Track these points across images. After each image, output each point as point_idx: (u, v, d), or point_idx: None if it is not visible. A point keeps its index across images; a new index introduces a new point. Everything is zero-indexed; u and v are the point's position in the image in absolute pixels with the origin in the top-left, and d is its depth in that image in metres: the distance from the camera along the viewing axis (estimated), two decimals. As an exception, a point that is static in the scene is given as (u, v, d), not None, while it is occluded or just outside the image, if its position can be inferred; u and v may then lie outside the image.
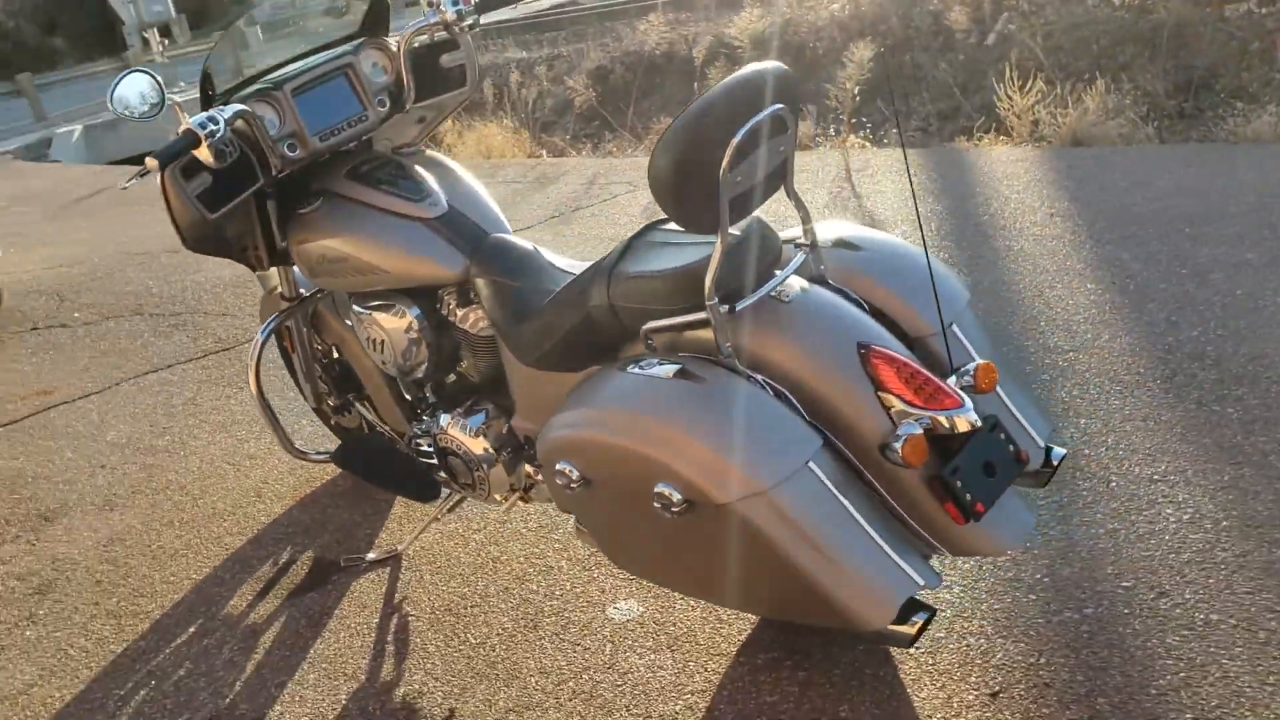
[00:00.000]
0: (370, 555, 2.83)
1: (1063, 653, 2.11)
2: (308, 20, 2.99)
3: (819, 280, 2.12)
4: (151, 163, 2.26)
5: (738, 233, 2.00)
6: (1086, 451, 2.74)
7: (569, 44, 14.05)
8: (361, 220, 2.55)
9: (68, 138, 13.76)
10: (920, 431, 1.87)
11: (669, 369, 1.96)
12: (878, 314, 2.10)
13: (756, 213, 2.06)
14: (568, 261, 2.47)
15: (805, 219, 2.10)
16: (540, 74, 11.18)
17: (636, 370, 1.99)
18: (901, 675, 2.12)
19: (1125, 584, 2.26)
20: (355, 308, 2.69)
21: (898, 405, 1.90)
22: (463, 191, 2.65)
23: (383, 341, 2.65)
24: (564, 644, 2.37)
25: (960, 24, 9.60)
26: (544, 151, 8.74)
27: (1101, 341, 3.27)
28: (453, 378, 2.71)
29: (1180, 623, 2.13)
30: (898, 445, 1.86)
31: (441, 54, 2.82)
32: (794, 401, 1.95)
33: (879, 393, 1.91)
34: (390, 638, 2.50)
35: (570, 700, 2.20)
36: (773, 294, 2.01)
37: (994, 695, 2.04)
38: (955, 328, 2.12)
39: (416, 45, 2.75)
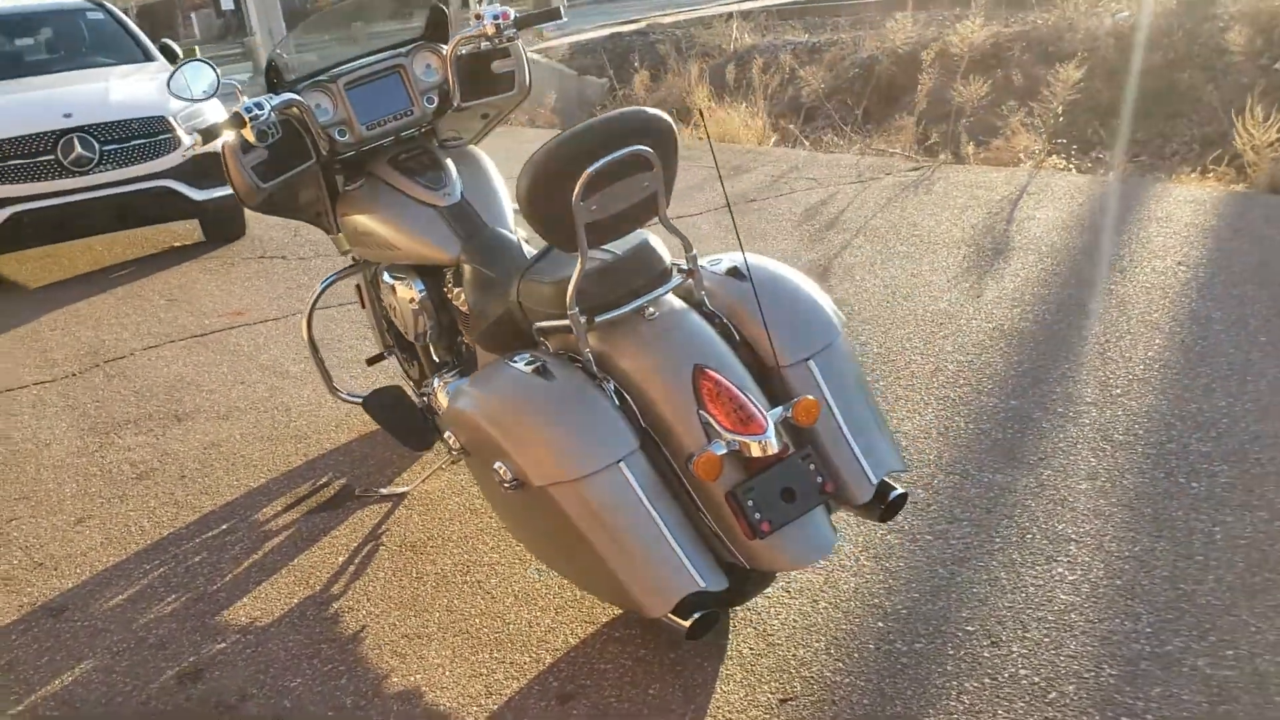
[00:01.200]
0: (383, 490, 3.28)
1: (866, 677, 2.25)
2: (377, 25, 3.43)
3: (697, 305, 2.34)
4: (195, 138, 2.78)
5: (610, 253, 2.26)
6: (1028, 501, 2.78)
7: (851, 30, 14.05)
8: (387, 201, 2.97)
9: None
10: (718, 451, 2.07)
11: (532, 364, 2.26)
12: (746, 342, 2.31)
13: (649, 236, 2.31)
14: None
15: (687, 247, 2.32)
16: (784, 61, 11.30)
17: (510, 362, 2.30)
18: (723, 671, 2.32)
19: (969, 628, 2.35)
20: (383, 276, 3.13)
21: (714, 425, 2.12)
22: (479, 186, 3.01)
23: (395, 308, 3.08)
24: (479, 591, 2.72)
25: (1240, 45, 8.94)
26: (774, 138, 8.94)
27: (1123, 398, 3.22)
28: (457, 347, 3.11)
29: (987, 671, 2.22)
30: (691, 461, 2.08)
31: (493, 60, 3.19)
32: (632, 407, 2.19)
33: (700, 411, 2.13)
34: (357, 561, 2.93)
35: (455, 638, 2.55)
36: (640, 310, 2.25)
37: (783, 701, 2.21)
38: (813, 362, 2.28)
39: (465, 52, 3.13)
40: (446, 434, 2.40)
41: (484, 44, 3.15)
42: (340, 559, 2.95)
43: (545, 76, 15.45)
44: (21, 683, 2.60)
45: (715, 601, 2.11)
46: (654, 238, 2.31)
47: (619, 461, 2.11)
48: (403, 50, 3.13)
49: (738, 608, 2.50)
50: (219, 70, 3.08)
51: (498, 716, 2.28)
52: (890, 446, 2.31)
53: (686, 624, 2.07)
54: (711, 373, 2.14)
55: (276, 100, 2.84)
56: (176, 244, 7.18)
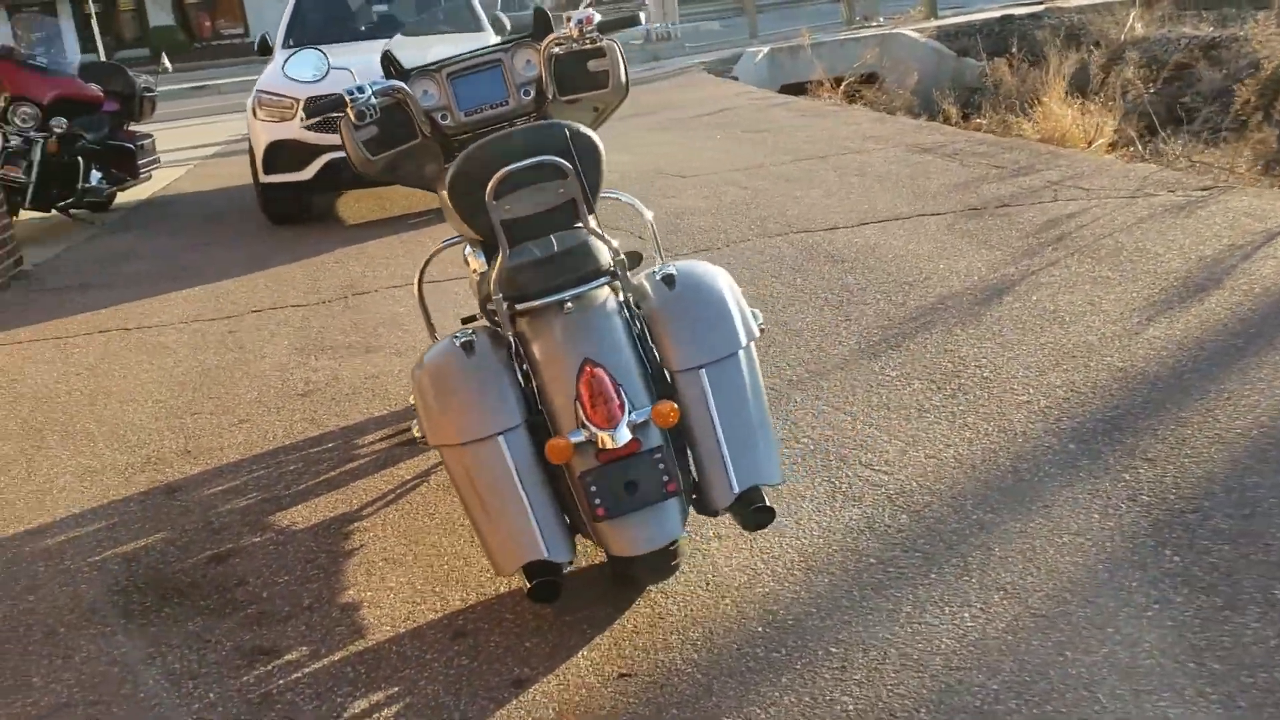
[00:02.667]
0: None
1: (705, 671, 2.35)
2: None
3: (625, 304, 2.51)
4: (302, 115, 3.26)
5: (552, 248, 2.48)
6: (992, 545, 2.69)
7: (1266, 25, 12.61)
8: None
9: (752, 58, 15.49)
10: (572, 439, 2.30)
11: (464, 340, 2.54)
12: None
13: (589, 238, 2.50)
14: None
15: (614, 253, 2.49)
16: (1167, 57, 10.42)
17: (454, 336, 2.60)
18: (596, 639, 2.51)
19: (832, 649, 2.37)
20: (464, 245, 3.49)
21: (581, 414, 2.31)
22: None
23: (470, 277, 3.44)
24: (466, 536, 3.04)
25: None
26: (1104, 142, 8.38)
27: (1166, 462, 2.97)
28: None
29: (812, 690, 2.25)
30: (547, 444, 2.30)
31: (589, 60, 3.42)
32: (534, 389, 2.42)
33: (576, 400, 2.33)
34: (398, 492, 3.35)
35: (422, 569, 2.90)
36: (561, 303, 2.46)
37: (621, 675, 2.37)
38: (705, 370, 2.41)
39: (560, 51, 3.35)
40: (410, 397, 2.75)
41: (574, 44, 3.39)
42: (387, 487, 3.38)
43: (921, 56, 15.25)
44: (108, 540, 3.27)
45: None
46: (596, 240, 2.50)
47: (498, 435, 2.37)
48: (506, 46, 3.46)
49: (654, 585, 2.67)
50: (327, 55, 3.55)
51: (398, 641, 2.61)
52: (767, 460, 2.40)
53: (529, 587, 2.32)
54: (594, 367, 2.33)
55: (378, 85, 3.24)
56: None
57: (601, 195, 3.60)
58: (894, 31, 16.57)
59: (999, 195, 6.14)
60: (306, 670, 2.53)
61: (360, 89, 3.18)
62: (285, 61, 3.54)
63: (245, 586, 2.92)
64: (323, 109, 3.24)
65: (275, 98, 7.26)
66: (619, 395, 2.31)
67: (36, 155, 8.08)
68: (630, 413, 2.30)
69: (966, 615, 2.45)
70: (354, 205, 8.28)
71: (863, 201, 6.33)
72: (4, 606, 2.96)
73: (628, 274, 2.53)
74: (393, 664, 2.52)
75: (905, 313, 4.37)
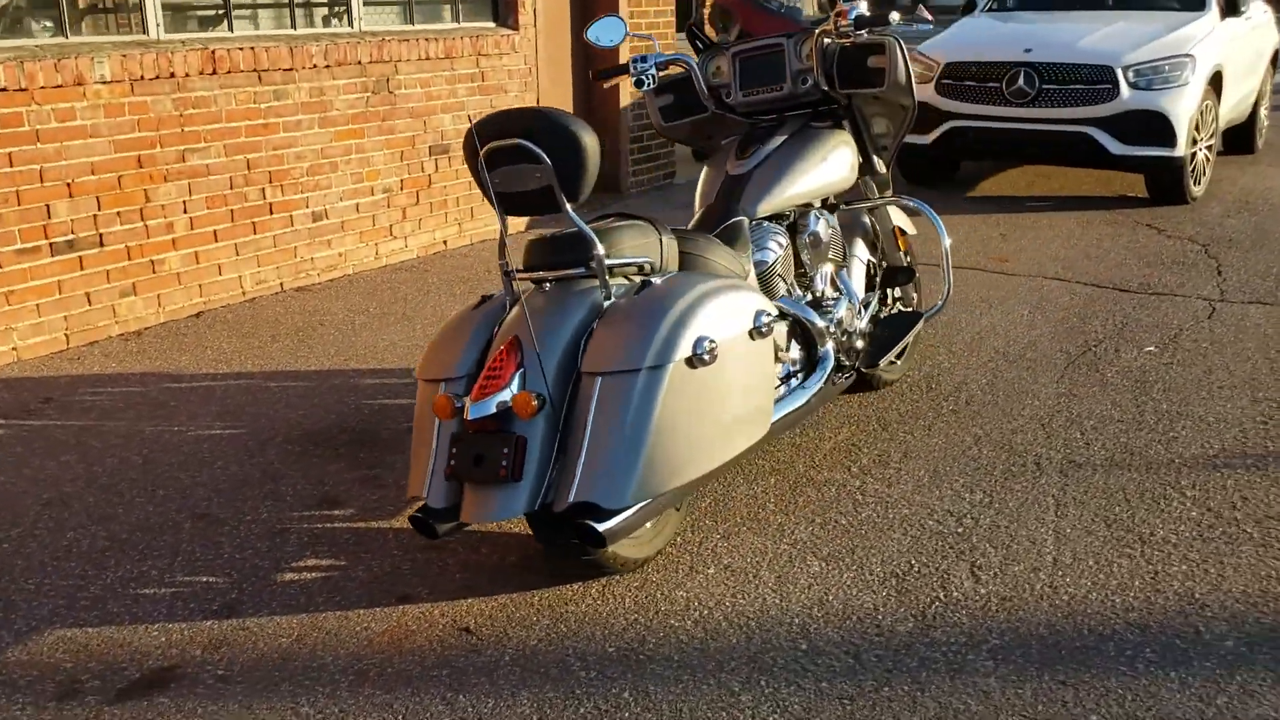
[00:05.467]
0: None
1: (526, 643, 2.48)
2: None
3: (599, 299, 2.61)
4: (592, 74, 3.57)
5: (559, 231, 2.63)
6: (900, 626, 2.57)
7: None
8: (714, 159, 3.51)
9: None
10: (448, 398, 2.48)
11: (488, 297, 2.76)
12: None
13: (584, 228, 2.57)
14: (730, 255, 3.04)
15: (591, 246, 2.57)
16: None
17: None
18: (457, 599, 2.67)
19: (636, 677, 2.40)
20: None
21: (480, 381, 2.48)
22: (773, 172, 3.28)
23: None
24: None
25: None
26: None
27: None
28: None
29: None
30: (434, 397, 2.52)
31: (871, 55, 3.36)
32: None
33: (487, 368, 2.49)
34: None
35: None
36: (543, 281, 2.64)
37: (462, 630, 2.54)
38: (601, 378, 2.45)
39: (831, 43, 3.38)
40: None
41: (855, 37, 3.36)
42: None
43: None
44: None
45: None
46: (590, 231, 2.57)
47: (441, 380, 2.58)
48: (794, 32, 3.42)
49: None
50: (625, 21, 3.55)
51: (341, 594, 2.88)
52: (619, 484, 2.38)
53: (416, 519, 2.51)
54: (512, 345, 2.48)
55: (660, 57, 3.41)
56: (1129, 192, 7.35)
57: (904, 200, 3.72)
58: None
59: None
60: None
61: (644, 59, 3.37)
62: (591, 24, 3.52)
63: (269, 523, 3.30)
64: (608, 75, 3.47)
65: (922, 58, 7.28)
66: (508, 376, 2.43)
67: None
68: (504, 393, 2.41)
69: (813, 685, 2.37)
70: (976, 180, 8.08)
71: None
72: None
73: (605, 271, 2.57)
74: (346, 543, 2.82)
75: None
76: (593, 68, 3.51)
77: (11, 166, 4.32)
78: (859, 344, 3.43)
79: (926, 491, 3.12)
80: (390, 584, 2.75)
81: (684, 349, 2.46)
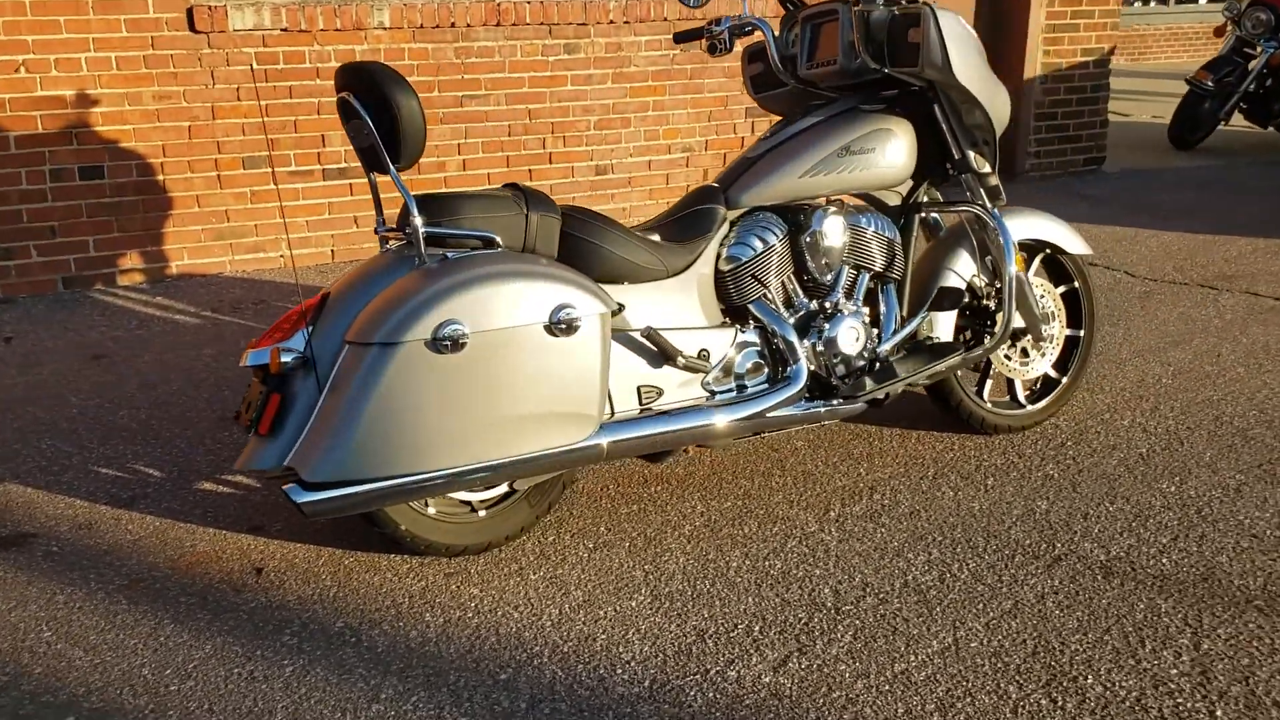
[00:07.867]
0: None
1: (334, 608, 2.47)
2: None
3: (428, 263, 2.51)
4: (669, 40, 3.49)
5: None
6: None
7: None
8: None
9: None
10: (269, 346, 2.47)
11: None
12: None
13: (461, 194, 2.53)
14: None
15: (407, 212, 2.44)
16: None
17: None
18: (280, 537, 2.73)
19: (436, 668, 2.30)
20: None
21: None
22: (780, 159, 2.87)
23: None
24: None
25: None
26: None
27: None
28: None
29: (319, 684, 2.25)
30: None
31: (910, 27, 2.80)
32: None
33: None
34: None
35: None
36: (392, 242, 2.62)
37: (257, 570, 2.60)
38: (349, 347, 2.36)
39: (867, 11, 2.82)
40: None
41: (901, 10, 2.84)
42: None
43: None
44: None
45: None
46: (410, 196, 2.45)
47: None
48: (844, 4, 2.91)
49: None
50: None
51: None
52: (325, 458, 2.30)
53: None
54: (316, 302, 2.51)
55: (733, 22, 3.10)
56: None
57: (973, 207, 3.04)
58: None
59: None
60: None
61: (718, 23, 3.11)
62: None
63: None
64: (687, 37, 3.19)
65: None
66: (290, 331, 2.43)
67: (1259, 64, 7.77)
68: (281, 346, 2.41)
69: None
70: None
71: None
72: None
73: (420, 240, 2.41)
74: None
75: None
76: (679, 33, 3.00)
77: (291, 98, 4.97)
78: (860, 365, 2.90)
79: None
80: (252, 513, 2.89)
81: (422, 331, 2.29)
